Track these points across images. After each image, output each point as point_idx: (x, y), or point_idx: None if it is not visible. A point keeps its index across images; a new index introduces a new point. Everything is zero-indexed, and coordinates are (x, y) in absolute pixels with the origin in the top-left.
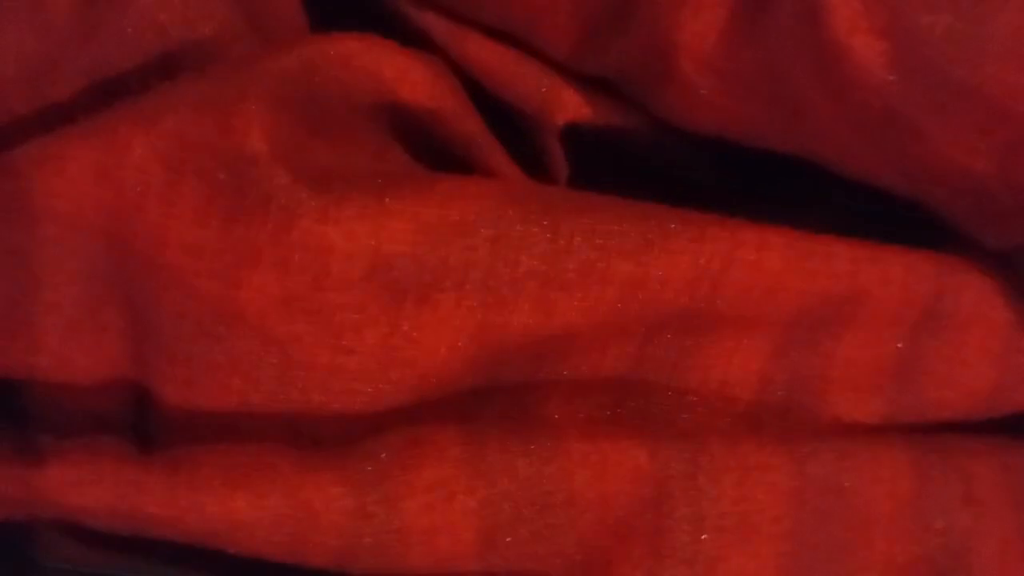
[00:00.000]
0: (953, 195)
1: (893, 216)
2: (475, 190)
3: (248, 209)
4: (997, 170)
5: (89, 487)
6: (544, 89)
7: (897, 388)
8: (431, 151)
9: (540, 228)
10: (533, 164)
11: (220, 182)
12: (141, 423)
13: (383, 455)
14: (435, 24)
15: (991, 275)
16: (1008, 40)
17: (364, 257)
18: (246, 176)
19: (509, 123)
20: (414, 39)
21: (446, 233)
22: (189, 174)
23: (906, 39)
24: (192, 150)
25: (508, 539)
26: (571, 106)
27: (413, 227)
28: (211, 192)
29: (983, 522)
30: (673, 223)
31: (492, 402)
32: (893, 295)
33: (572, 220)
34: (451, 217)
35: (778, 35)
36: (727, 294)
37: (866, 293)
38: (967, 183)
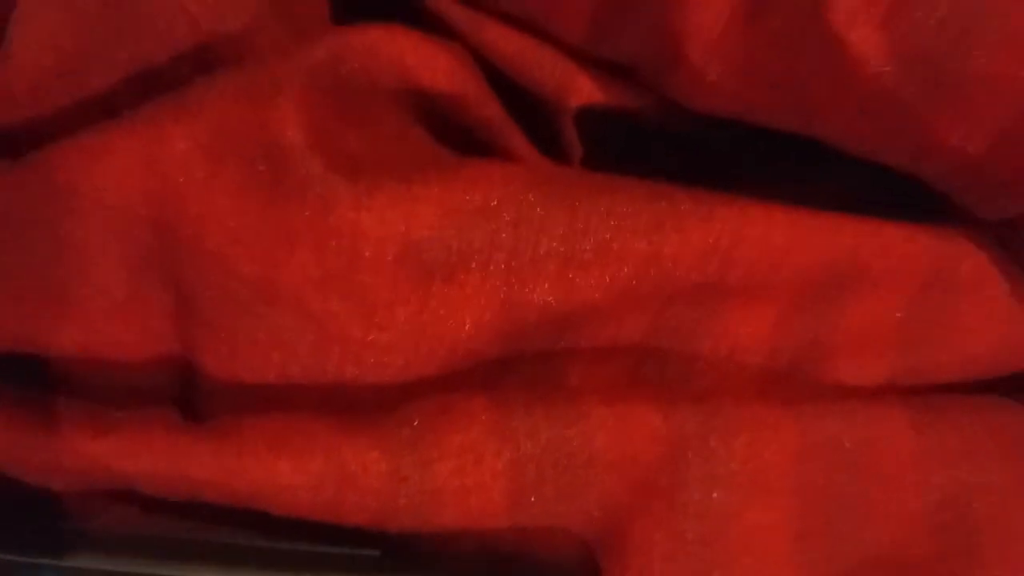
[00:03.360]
0: (950, 173)
1: (898, 187)
2: (498, 175)
3: (285, 196)
4: (989, 151)
5: (143, 455)
6: (559, 74)
7: (897, 353)
8: (453, 133)
9: (559, 211)
10: (548, 144)
11: (259, 172)
12: (186, 395)
13: (416, 421)
14: (455, 12)
15: (988, 246)
16: (996, 33)
17: (395, 241)
18: (283, 166)
19: (526, 106)
20: (435, 26)
21: (471, 217)
22: (229, 164)
23: (902, 32)
24: (232, 141)
25: (533, 498)
26: (584, 90)
27: (440, 212)
28: (250, 181)
29: (980, 475)
30: (684, 203)
31: (516, 371)
32: (893, 267)
33: (589, 202)
34: (475, 202)
35: (781, 27)
36: (736, 269)
37: (867, 265)
38: (962, 162)
